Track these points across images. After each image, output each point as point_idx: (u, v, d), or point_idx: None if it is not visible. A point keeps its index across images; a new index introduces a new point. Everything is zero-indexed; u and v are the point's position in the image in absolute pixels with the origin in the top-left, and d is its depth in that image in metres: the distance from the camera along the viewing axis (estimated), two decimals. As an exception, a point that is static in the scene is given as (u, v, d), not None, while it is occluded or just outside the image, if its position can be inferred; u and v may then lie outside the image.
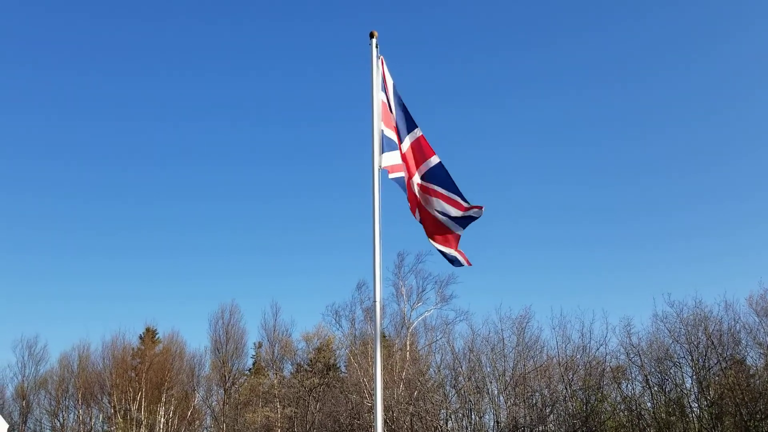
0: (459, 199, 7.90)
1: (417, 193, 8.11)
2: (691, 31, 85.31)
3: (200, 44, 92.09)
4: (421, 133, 8.25)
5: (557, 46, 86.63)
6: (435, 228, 8.04)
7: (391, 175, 8.05)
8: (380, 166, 7.95)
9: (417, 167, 8.16)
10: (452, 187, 7.96)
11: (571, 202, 76.84)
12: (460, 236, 7.98)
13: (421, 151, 8.20)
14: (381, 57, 8.35)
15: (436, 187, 8.01)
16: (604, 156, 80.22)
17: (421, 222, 8.14)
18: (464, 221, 7.93)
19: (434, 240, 8.04)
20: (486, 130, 75.48)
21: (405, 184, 8.07)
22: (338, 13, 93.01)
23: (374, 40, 8.29)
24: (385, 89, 8.34)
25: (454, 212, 7.90)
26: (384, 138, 8.11)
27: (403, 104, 8.38)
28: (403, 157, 8.17)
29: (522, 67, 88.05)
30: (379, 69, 8.30)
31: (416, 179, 8.14)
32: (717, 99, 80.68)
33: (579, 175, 78.83)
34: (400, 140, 8.23)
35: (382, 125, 8.14)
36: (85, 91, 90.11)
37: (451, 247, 7.99)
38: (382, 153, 8.02)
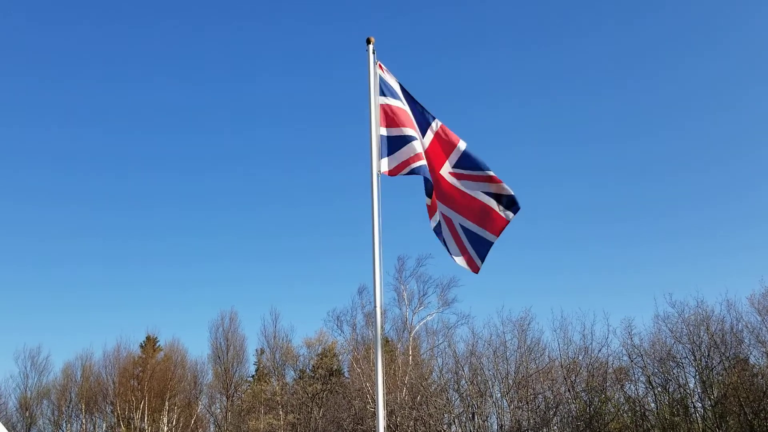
0: (497, 178, 8.01)
1: (450, 182, 8.14)
2: (693, 28, 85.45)
3: (198, 49, 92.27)
4: (441, 123, 8.33)
5: (558, 46, 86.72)
6: (475, 207, 8.05)
7: (412, 166, 8.00)
8: (379, 171, 7.97)
9: (447, 156, 8.21)
10: (487, 167, 8.08)
11: (570, 203, 76.85)
12: (507, 221, 7.96)
13: (447, 139, 8.26)
14: (379, 62, 8.38)
15: (473, 172, 8.09)
16: (604, 156, 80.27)
17: (444, 211, 8.15)
18: (510, 203, 7.96)
19: (472, 221, 8.06)
20: (485, 131, 75.48)
21: (428, 172, 8.03)
22: (337, 17, 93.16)
23: (371, 46, 8.33)
24: (391, 92, 8.35)
25: (498, 189, 7.96)
26: (384, 141, 8.13)
27: (415, 100, 8.41)
28: (427, 152, 8.21)
29: (521, 67, 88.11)
30: (376, 74, 8.33)
31: (446, 168, 8.18)
32: (716, 98, 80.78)
33: (578, 176, 78.89)
34: (422, 134, 8.28)
35: (382, 129, 8.16)
36: (87, 99, 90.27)
37: (489, 230, 7.99)
38: (382, 157, 8.04)
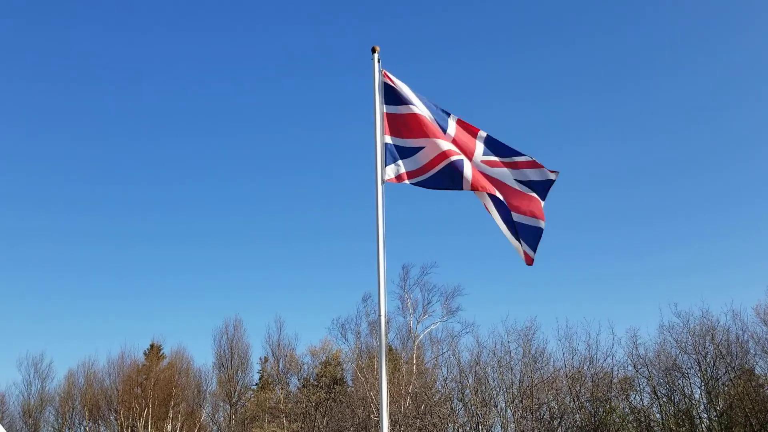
0: (529, 158, 8.04)
1: (484, 171, 8.09)
2: (696, 31, 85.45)
3: (204, 55, 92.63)
4: (458, 117, 8.35)
5: (560, 48, 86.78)
6: (517, 198, 8.02)
7: (419, 178, 8.04)
8: (383, 180, 7.99)
9: (474, 147, 8.22)
10: (515, 152, 8.13)
11: (574, 210, 76.46)
12: (542, 205, 7.97)
13: (468, 130, 8.28)
14: (384, 70, 8.42)
15: (500, 158, 8.13)
16: (606, 162, 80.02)
17: (491, 198, 8.03)
18: (543, 186, 7.98)
19: (518, 212, 7.98)
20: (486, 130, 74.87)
21: (462, 166, 7.99)
22: (344, 22, 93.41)
23: (376, 55, 8.38)
24: (397, 100, 8.34)
25: (533, 174, 8.00)
26: (389, 149, 8.15)
27: (427, 100, 8.41)
28: (455, 142, 8.21)
29: (523, 70, 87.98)
30: (381, 83, 8.37)
31: (478, 157, 8.16)
32: (719, 102, 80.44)
33: (581, 183, 78.60)
34: (444, 131, 8.28)
35: (387, 138, 8.19)
36: (93, 106, 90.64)
37: (537, 216, 7.94)
38: (387, 165, 8.06)
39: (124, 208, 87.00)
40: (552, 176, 8.04)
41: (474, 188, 7.99)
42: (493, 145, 8.22)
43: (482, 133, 8.26)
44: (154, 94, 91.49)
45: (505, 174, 8.11)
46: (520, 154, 8.16)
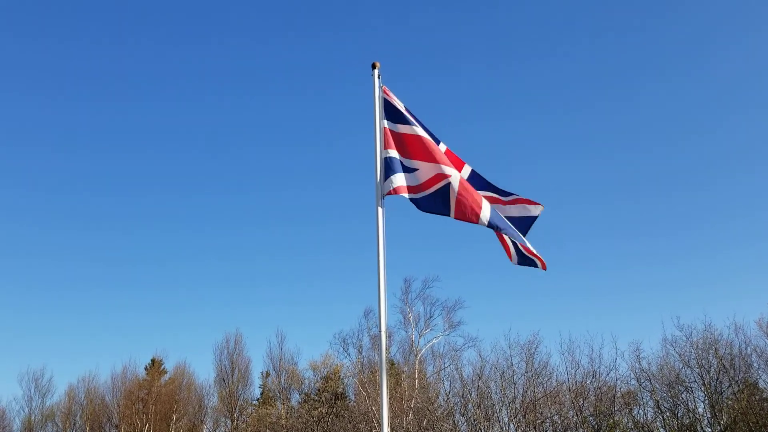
0: (510, 197, 8.03)
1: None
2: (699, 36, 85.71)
3: (205, 69, 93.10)
4: (446, 147, 8.38)
5: (551, 63, 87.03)
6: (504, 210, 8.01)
7: (417, 195, 8.05)
8: (383, 194, 8.02)
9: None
10: (496, 189, 8.15)
11: (576, 223, 76.47)
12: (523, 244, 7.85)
13: (454, 161, 8.29)
14: (384, 86, 8.48)
15: (484, 193, 8.10)
16: (607, 175, 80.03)
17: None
18: (525, 223, 7.92)
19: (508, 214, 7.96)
20: (486, 148, 75.32)
21: (450, 192, 7.98)
22: (344, 36, 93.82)
23: (376, 71, 8.46)
24: (395, 117, 8.40)
25: (514, 210, 7.98)
26: (389, 162, 8.19)
27: (422, 123, 8.45)
28: (450, 157, 8.23)
29: (520, 81, 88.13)
30: (381, 98, 8.43)
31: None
32: (719, 112, 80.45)
33: (582, 195, 78.68)
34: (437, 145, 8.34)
35: (387, 152, 8.24)
36: (100, 120, 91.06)
37: (531, 253, 7.85)
38: (387, 177, 8.09)
39: (124, 222, 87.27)
40: (535, 212, 7.98)
41: (459, 218, 7.97)
42: (474, 179, 8.21)
43: (467, 168, 8.25)
44: (156, 108, 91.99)
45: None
46: (501, 191, 8.14)
